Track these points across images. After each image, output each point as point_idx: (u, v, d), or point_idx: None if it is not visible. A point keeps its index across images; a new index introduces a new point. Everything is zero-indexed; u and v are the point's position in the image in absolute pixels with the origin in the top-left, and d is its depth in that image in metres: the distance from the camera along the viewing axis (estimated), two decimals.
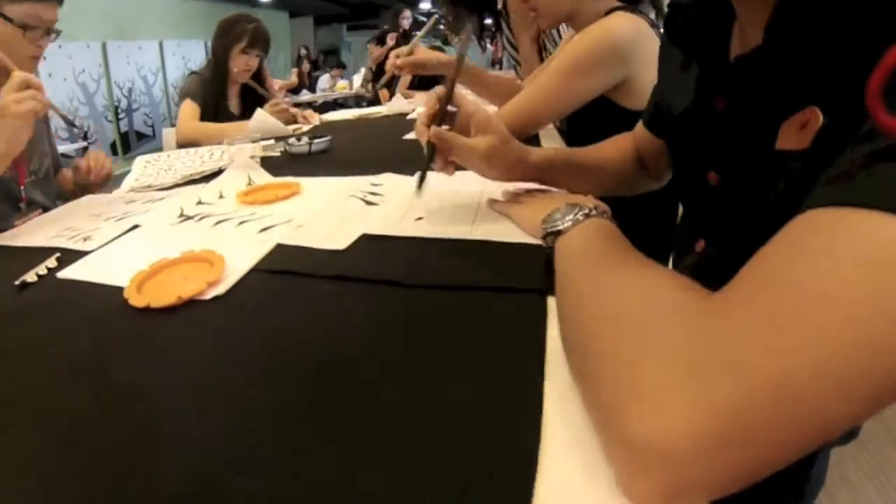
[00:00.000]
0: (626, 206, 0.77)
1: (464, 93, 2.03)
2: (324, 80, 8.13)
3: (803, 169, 0.39)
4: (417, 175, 0.71)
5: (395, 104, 2.64)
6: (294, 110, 2.08)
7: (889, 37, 0.32)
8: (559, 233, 0.56)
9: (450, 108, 0.71)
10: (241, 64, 2.19)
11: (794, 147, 0.45)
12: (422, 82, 4.95)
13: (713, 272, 0.34)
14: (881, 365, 0.26)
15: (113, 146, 6.94)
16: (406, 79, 5.05)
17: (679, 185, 0.72)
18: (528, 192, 0.79)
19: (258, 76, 2.29)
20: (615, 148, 0.89)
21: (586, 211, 0.57)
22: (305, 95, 6.35)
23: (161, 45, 7.70)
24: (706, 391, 0.28)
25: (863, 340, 0.26)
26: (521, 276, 0.56)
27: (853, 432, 0.74)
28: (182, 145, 1.87)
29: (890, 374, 0.26)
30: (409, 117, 2.24)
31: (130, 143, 7.22)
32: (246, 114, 2.15)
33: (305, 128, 2.01)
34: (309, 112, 2.33)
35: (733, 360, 0.28)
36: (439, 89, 0.70)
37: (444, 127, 0.70)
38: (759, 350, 0.28)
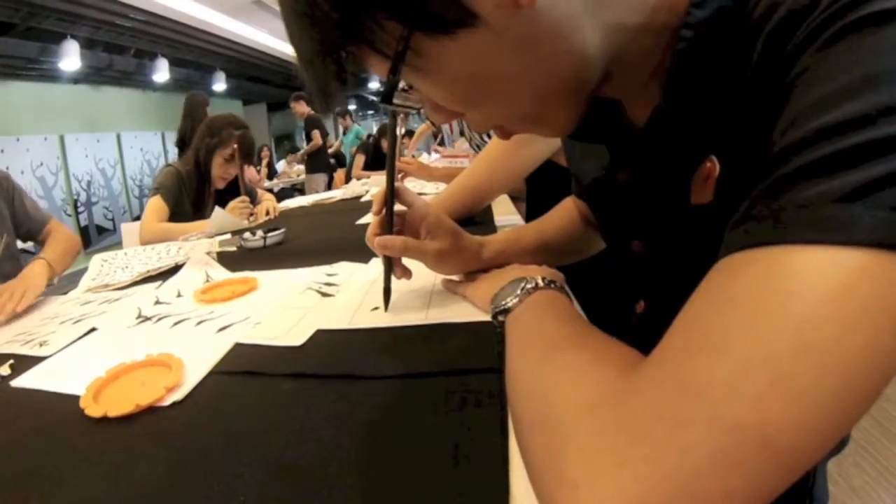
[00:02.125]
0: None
1: (412, 188, 2.12)
2: (281, 166, 8.23)
3: (710, 221, 0.39)
4: (382, 292, 0.75)
5: (350, 188, 2.71)
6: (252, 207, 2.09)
7: (779, 84, 0.34)
8: (508, 311, 0.57)
9: (400, 207, 0.74)
10: (222, 172, 2.21)
11: (704, 200, 0.46)
12: (374, 163, 5.08)
13: (658, 330, 0.35)
14: (799, 406, 0.26)
15: None
16: (360, 160, 5.17)
17: (607, 252, 0.74)
18: None
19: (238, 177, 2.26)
20: (564, 214, 0.92)
21: (533, 284, 0.59)
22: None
23: (119, 136, 7.74)
24: (629, 481, 0.28)
25: (769, 385, 0.26)
26: (478, 357, 0.58)
27: (843, 441, 0.73)
28: (145, 244, 1.87)
29: (804, 409, 0.26)
30: (363, 199, 2.31)
31: (91, 237, 7.14)
32: None
33: (261, 219, 2.05)
34: (269, 198, 2.36)
35: (647, 443, 0.29)
36: (382, 190, 0.72)
37: (396, 228, 0.73)
38: (669, 426, 0.28)
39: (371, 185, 2.79)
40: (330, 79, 0.42)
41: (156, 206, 2.09)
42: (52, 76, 6.17)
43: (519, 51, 0.39)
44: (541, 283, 0.59)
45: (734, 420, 0.27)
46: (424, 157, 4.21)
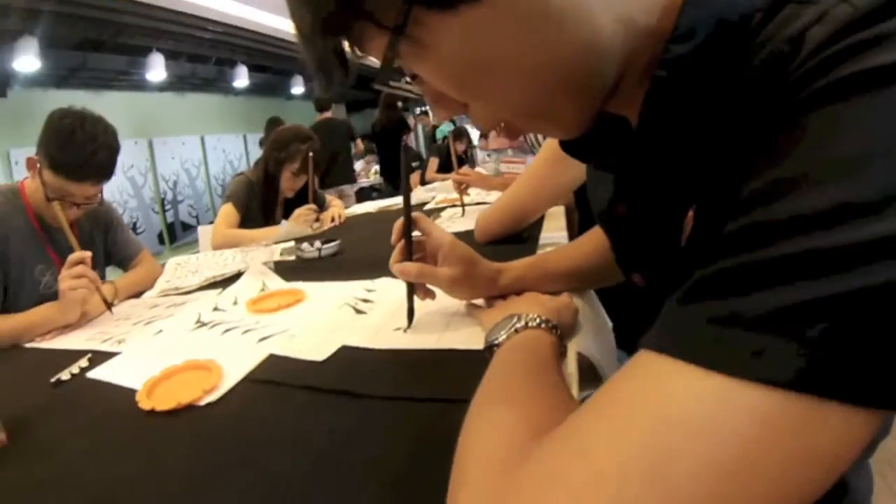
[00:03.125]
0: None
1: (474, 198, 2.16)
2: (358, 166, 8.41)
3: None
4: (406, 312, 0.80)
5: (415, 195, 2.74)
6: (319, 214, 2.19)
7: (751, 136, 0.31)
8: (498, 346, 0.59)
9: (419, 235, 0.80)
10: (291, 184, 2.32)
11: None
12: (447, 166, 5.11)
13: None
14: None
15: (160, 236, 7.28)
16: (433, 163, 5.23)
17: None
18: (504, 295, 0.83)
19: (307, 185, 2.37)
20: (594, 238, 0.89)
21: (524, 323, 0.60)
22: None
23: (203, 139, 8.12)
24: None
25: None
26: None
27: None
28: (216, 248, 2.01)
29: None
30: (426, 208, 2.35)
31: (176, 233, 7.55)
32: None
33: (326, 226, 2.16)
34: (337, 205, 2.47)
35: None
36: (399, 222, 0.79)
37: (416, 256, 0.79)
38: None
39: (438, 192, 2.83)
40: (329, 55, 0.39)
41: (227, 212, 2.21)
42: (140, 85, 6.57)
43: (523, 32, 0.36)
44: (531, 322, 0.60)
45: None
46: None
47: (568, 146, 0.52)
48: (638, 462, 0.26)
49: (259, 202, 2.32)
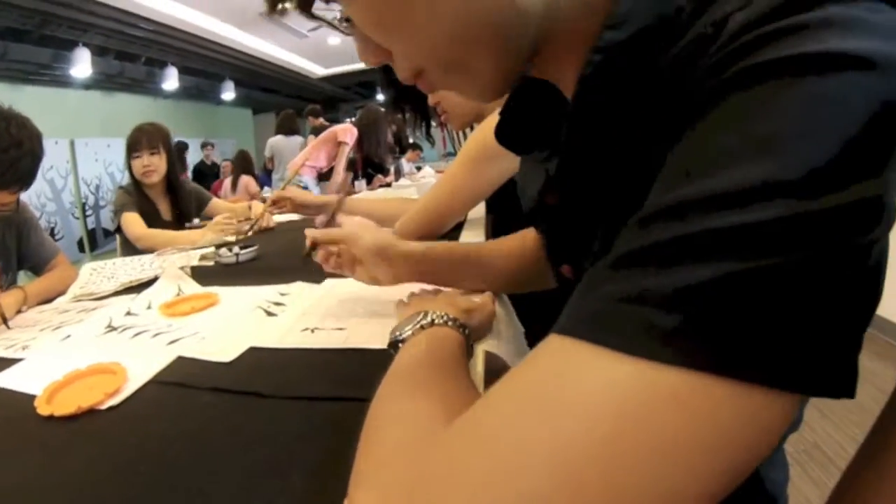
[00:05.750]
0: None
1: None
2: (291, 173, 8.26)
3: None
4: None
5: None
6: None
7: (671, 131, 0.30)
8: (403, 342, 0.59)
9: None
10: (138, 167, 2.40)
11: None
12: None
13: None
14: None
15: (80, 243, 6.99)
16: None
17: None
18: (423, 292, 0.84)
19: (171, 173, 2.49)
20: (518, 242, 0.87)
21: (430, 319, 0.59)
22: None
23: None
24: None
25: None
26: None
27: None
28: (146, 249, 1.99)
29: None
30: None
31: (97, 240, 7.27)
32: (177, 217, 2.42)
33: (252, 232, 2.14)
34: (260, 207, 2.47)
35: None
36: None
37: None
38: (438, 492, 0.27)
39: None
40: None
41: (132, 219, 2.27)
42: (64, 81, 6.34)
43: None
44: (437, 319, 0.60)
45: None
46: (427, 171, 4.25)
47: (504, 138, 0.54)
48: (539, 451, 0.25)
49: (142, 206, 2.40)
